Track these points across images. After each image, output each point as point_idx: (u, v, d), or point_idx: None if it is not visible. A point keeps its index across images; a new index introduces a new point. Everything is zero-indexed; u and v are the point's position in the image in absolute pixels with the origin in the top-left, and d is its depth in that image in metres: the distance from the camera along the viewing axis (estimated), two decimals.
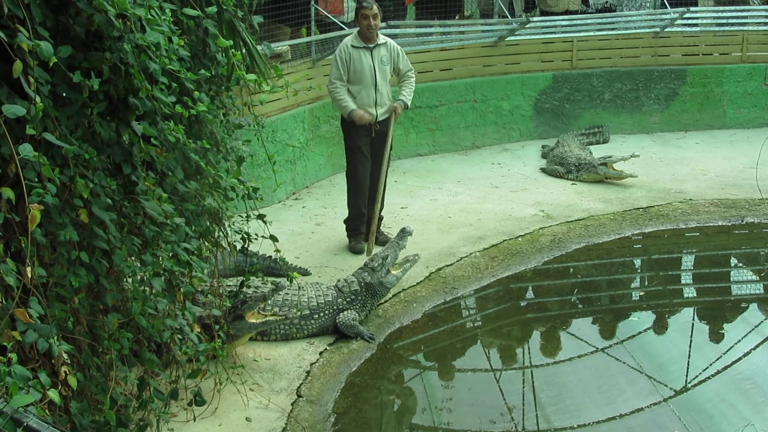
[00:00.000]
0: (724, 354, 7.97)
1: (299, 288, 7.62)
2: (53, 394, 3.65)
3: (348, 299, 7.87)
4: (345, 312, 7.78)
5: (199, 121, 5.47)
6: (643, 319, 8.91)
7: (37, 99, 3.88)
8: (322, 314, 7.71)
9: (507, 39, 14.46)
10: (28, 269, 3.83)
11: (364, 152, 9.44)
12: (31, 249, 3.90)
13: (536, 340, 8.37)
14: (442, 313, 8.64)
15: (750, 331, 8.53)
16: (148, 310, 4.88)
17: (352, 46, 9.32)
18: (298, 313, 7.47)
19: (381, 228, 9.78)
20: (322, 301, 7.73)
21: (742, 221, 11.33)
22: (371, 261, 8.20)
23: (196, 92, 5.26)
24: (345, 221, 9.76)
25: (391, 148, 9.66)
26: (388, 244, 8.39)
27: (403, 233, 8.41)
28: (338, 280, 8.05)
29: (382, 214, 9.74)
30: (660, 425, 6.82)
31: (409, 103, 9.61)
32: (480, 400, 7.16)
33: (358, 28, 9.40)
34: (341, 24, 12.68)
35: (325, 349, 7.59)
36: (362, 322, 7.93)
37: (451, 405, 7.03)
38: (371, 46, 9.31)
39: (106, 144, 4.64)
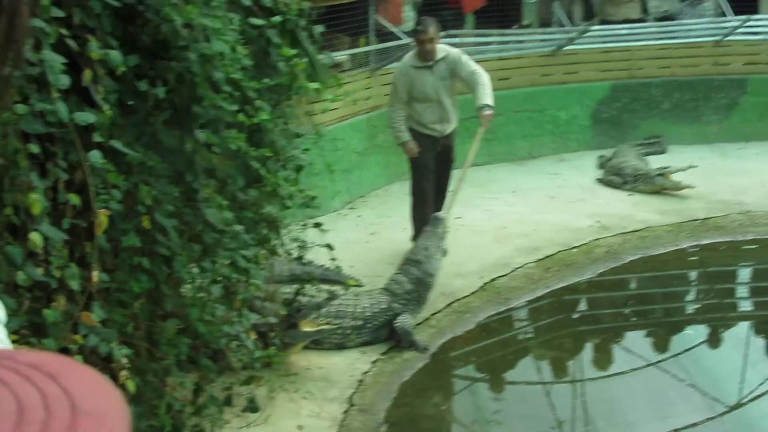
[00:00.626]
0: None
1: (356, 296, 7.66)
2: None
3: (403, 301, 7.89)
4: (402, 316, 7.80)
5: (260, 130, 5.52)
6: (698, 332, 8.84)
7: (105, 107, 3.96)
8: (377, 322, 7.73)
9: (565, 48, 14.40)
10: (95, 273, 3.89)
11: (430, 167, 9.42)
12: (96, 254, 3.98)
13: (588, 353, 8.35)
14: (495, 324, 8.64)
15: None
16: (206, 316, 4.95)
17: (411, 66, 9.29)
18: (352, 323, 7.51)
19: None
20: (377, 309, 7.76)
21: None
22: (414, 254, 8.22)
23: (257, 101, 5.33)
24: (412, 239, 9.60)
25: (452, 161, 9.68)
26: (423, 234, 8.41)
27: (436, 219, 8.43)
28: (388, 282, 8.07)
29: None
30: None
31: (490, 102, 9.17)
32: (530, 412, 7.15)
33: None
34: (400, 34, 12.72)
35: (378, 358, 7.62)
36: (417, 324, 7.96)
37: (502, 417, 7.03)
38: (430, 64, 9.25)
39: (169, 152, 4.70)
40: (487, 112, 9.10)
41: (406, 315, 7.84)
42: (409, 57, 9.43)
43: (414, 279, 8.03)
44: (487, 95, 9.14)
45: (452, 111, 9.40)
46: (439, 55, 9.28)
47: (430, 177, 9.46)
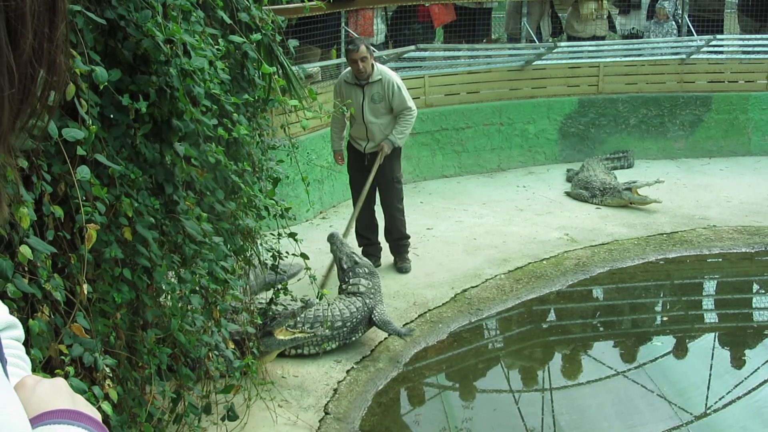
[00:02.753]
0: (744, 380, 8.03)
1: (329, 304, 7.74)
2: (106, 407, 3.78)
3: (371, 295, 8.10)
4: (377, 308, 7.96)
5: (237, 143, 5.61)
6: (665, 343, 8.97)
7: (89, 122, 4.02)
8: (356, 320, 7.89)
9: (534, 63, 14.60)
10: (85, 286, 3.96)
11: (358, 180, 9.68)
12: (80, 266, 4.04)
13: (558, 363, 8.45)
14: (466, 334, 8.74)
15: (761, 362, 8.57)
16: (186, 326, 5.02)
17: (344, 81, 9.46)
18: (327, 332, 7.58)
19: (406, 255, 9.95)
20: (354, 309, 7.91)
21: (766, 248, 11.37)
22: (347, 261, 8.48)
23: (234, 114, 5.42)
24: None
25: (390, 181, 9.71)
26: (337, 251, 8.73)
27: (332, 237, 8.81)
28: (348, 287, 8.25)
29: (407, 241, 9.92)
30: None
31: (398, 143, 9.52)
32: (501, 421, 7.25)
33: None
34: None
35: (352, 367, 7.70)
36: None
37: (473, 426, 7.12)
38: (362, 83, 9.33)
39: (150, 164, 4.78)
40: (388, 147, 9.46)
41: (380, 306, 8.00)
42: (346, 72, 9.56)
43: (366, 274, 8.19)
44: (399, 136, 9.51)
45: (379, 132, 9.44)
46: (375, 77, 9.34)
47: (359, 188, 9.63)
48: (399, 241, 9.86)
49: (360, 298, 8.00)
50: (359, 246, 9.83)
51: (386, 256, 9.89)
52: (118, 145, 4.60)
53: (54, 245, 3.97)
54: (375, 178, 9.55)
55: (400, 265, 9.80)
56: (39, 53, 1.10)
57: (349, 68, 9.45)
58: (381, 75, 9.38)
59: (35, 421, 1.31)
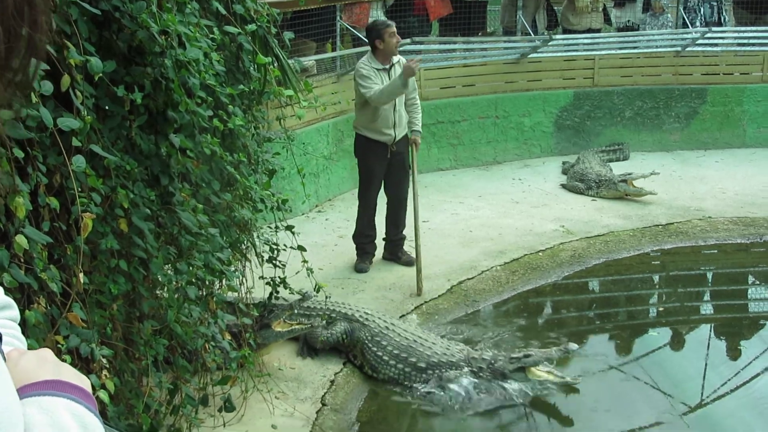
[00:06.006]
0: (740, 371, 8.04)
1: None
2: (103, 395, 3.79)
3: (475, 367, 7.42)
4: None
5: (233, 135, 5.61)
6: (661, 335, 8.96)
7: (84, 112, 4.02)
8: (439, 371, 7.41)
9: (529, 56, 14.60)
10: (81, 275, 3.96)
11: (378, 175, 9.48)
12: (76, 257, 4.05)
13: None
14: (462, 326, 8.75)
15: (766, 350, 8.59)
16: (182, 317, 5.03)
17: (374, 68, 9.24)
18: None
19: (403, 247, 9.90)
20: (444, 360, 7.41)
21: (761, 239, 11.40)
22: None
23: (230, 106, 5.42)
24: (353, 237, 9.81)
25: (406, 171, 9.62)
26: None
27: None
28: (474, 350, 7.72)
29: (404, 233, 9.85)
30: None
31: (421, 132, 9.65)
32: (498, 411, 7.21)
33: (373, 49, 9.32)
34: (365, 38, 12.83)
35: (349, 359, 7.71)
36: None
37: (469, 416, 7.10)
38: (388, 66, 9.29)
39: (145, 156, 4.78)
40: (419, 138, 9.59)
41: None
42: (366, 60, 9.35)
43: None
44: (420, 124, 9.63)
45: (405, 117, 9.45)
46: (394, 59, 9.37)
47: (378, 185, 9.55)
48: (400, 234, 9.82)
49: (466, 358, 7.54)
50: (363, 244, 9.71)
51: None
52: (113, 136, 4.60)
53: (50, 237, 3.98)
54: (391, 169, 9.51)
55: (408, 259, 9.72)
56: (21, 12, 1.16)
57: (367, 56, 9.38)
58: (398, 57, 9.44)
59: (19, 393, 1.31)
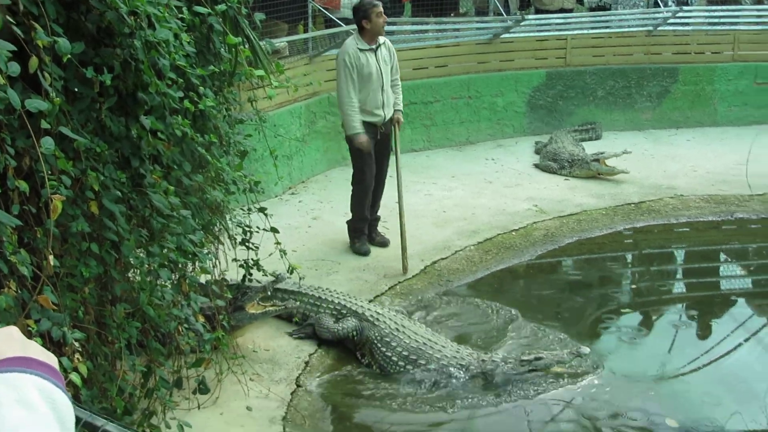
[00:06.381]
0: (711, 349, 8.10)
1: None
2: (76, 379, 3.77)
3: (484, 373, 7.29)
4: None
5: (204, 116, 5.57)
6: (634, 313, 9.01)
7: (53, 94, 3.99)
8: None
9: (502, 36, 14.61)
10: (51, 258, 3.94)
11: (371, 155, 9.41)
12: (46, 240, 4.02)
13: (525, 334, 8.41)
14: (436, 305, 8.75)
15: (737, 327, 8.65)
16: (155, 300, 5.01)
17: (358, 49, 9.18)
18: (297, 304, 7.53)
19: (378, 228, 9.90)
20: (453, 363, 7.30)
21: (732, 217, 11.50)
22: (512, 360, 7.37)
23: (201, 87, 5.38)
24: (348, 223, 9.73)
25: (389, 150, 9.58)
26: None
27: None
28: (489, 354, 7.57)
29: (379, 214, 9.85)
30: (644, 411, 6.93)
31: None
32: (468, 384, 7.21)
33: (360, 29, 9.26)
34: (337, 20, 12.80)
35: (357, 357, 7.70)
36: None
37: (443, 392, 7.12)
38: (375, 47, 9.24)
39: (116, 138, 4.74)
40: (402, 117, 9.61)
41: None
42: (352, 41, 9.30)
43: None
44: (401, 101, 9.65)
45: (392, 96, 9.41)
46: (380, 40, 9.32)
47: (373, 167, 9.48)
48: (376, 215, 9.83)
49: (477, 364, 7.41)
50: (361, 227, 9.67)
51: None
52: (82, 118, 4.56)
53: (19, 220, 3.95)
54: (377, 141, 9.47)
55: (382, 239, 9.75)
56: None
57: (353, 36, 9.36)
58: (383, 38, 9.42)
59: None
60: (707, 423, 6.78)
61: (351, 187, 9.65)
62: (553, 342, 7.86)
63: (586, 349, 7.30)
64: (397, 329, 7.48)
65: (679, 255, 11.20)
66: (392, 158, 9.56)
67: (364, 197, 9.54)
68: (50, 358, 1.40)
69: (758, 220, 11.50)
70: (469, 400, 6.96)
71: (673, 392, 7.30)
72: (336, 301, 7.84)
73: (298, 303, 7.78)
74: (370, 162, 9.42)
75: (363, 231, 9.68)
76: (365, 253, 9.52)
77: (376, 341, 7.45)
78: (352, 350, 7.66)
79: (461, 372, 7.19)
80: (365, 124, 9.28)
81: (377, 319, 7.56)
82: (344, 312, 7.73)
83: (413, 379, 7.20)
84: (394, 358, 7.34)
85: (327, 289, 8.12)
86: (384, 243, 9.62)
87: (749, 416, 6.90)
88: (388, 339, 7.41)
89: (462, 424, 6.73)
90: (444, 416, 6.78)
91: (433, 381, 7.15)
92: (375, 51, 9.23)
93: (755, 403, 7.08)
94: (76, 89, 4.49)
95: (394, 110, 9.49)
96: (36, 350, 1.40)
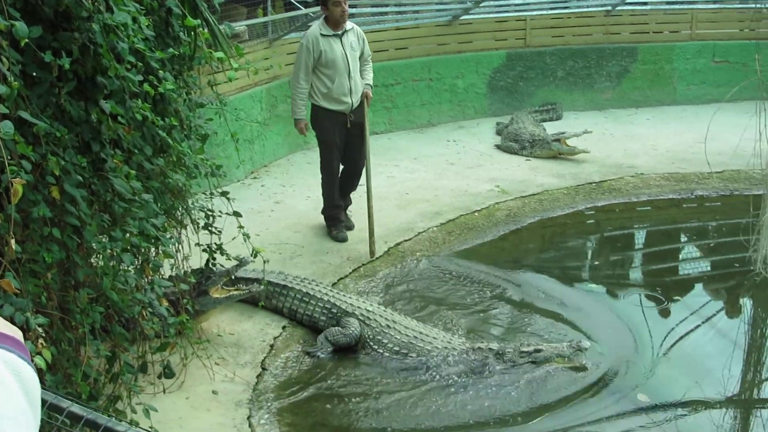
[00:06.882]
0: (673, 329, 8.17)
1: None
2: (39, 361, 3.76)
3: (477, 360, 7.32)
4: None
5: (164, 100, 5.55)
6: (596, 291, 9.08)
7: (11, 78, 3.95)
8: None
9: (461, 18, 14.63)
10: (12, 243, 3.91)
11: (338, 144, 9.34)
12: (7, 226, 3.99)
13: (486, 310, 8.43)
14: (400, 287, 8.79)
15: (695, 309, 8.74)
16: (118, 284, 4.99)
17: (321, 35, 9.10)
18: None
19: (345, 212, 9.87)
20: (445, 354, 7.32)
21: (692, 194, 11.64)
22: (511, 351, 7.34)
23: (160, 71, 5.36)
24: (322, 212, 9.70)
25: (363, 128, 9.41)
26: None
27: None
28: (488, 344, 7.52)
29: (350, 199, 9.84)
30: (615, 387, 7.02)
31: (372, 86, 9.56)
32: (452, 372, 7.26)
33: (325, 15, 9.18)
34: (297, 3, 12.74)
35: (288, 324, 7.73)
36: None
37: (407, 372, 7.17)
38: (340, 33, 9.13)
39: (76, 122, 4.71)
40: (370, 91, 9.51)
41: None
42: (316, 26, 9.23)
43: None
44: (371, 80, 9.56)
45: (360, 82, 9.32)
46: (348, 26, 9.24)
47: (339, 155, 9.43)
48: (348, 201, 9.79)
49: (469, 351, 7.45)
50: (335, 214, 9.64)
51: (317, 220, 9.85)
52: (42, 103, 4.53)
53: None
54: (350, 136, 9.40)
55: (348, 224, 9.72)
56: None
57: (318, 21, 9.30)
58: (351, 24, 9.35)
59: None
60: (671, 397, 6.91)
61: (314, 172, 9.65)
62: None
63: (587, 343, 7.32)
64: (388, 326, 7.50)
65: (640, 233, 11.29)
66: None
67: (332, 184, 9.51)
68: (14, 331, 1.40)
69: (717, 198, 11.65)
70: (436, 382, 7.01)
71: (629, 373, 7.34)
72: (326, 298, 7.77)
73: (285, 297, 7.77)
74: (336, 151, 9.39)
75: (338, 218, 9.65)
76: (342, 240, 9.49)
77: (368, 339, 7.47)
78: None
79: (451, 361, 7.22)
80: (333, 112, 9.22)
81: (368, 318, 7.56)
82: (334, 311, 7.68)
83: (380, 362, 7.24)
84: (387, 354, 7.36)
85: (314, 281, 8.05)
86: (349, 227, 9.62)
87: (704, 390, 7.05)
88: (380, 337, 7.43)
89: (430, 404, 6.76)
90: (407, 398, 6.82)
91: (406, 366, 7.20)
92: (340, 37, 9.15)
93: (708, 379, 7.21)
94: (34, 74, 4.46)
95: (364, 84, 9.41)
96: (0, 324, 1.39)
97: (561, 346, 7.28)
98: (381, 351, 7.37)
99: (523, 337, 7.77)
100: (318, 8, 10.50)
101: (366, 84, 9.43)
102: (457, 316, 8.16)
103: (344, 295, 7.91)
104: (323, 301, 7.75)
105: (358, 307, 7.70)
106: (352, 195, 9.86)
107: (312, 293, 7.81)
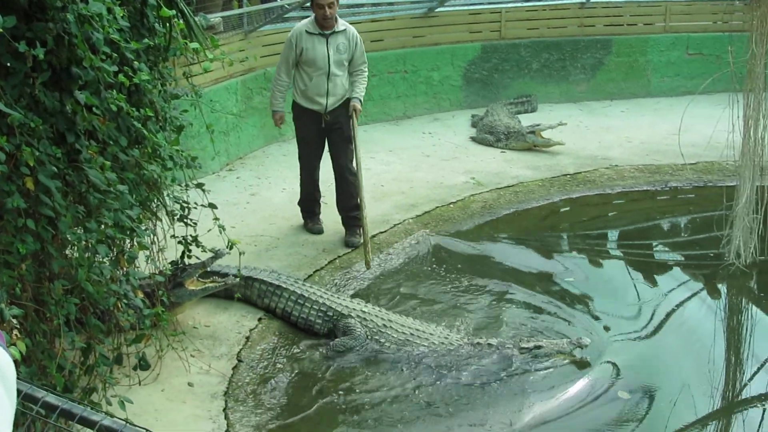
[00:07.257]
0: (651, 319, 8.23)
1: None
2: (14, 352, 3.74)
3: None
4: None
5: (139, 91, 5.52)
6: (574, 281, 9.09)
7: None
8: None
9: (436, 10, 14.64)
10: None
11: (312, 141, 9.26)
12: None
13: (466, 303, 8.46)
14: (376, 278, 8.81)
15: (665, 295, 8.80)
16: (93, 276, 4.97)
17: (306, 31, 8.94)
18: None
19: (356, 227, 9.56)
20: (441, 350, 7.33)
21: (666, 186, 11.71)
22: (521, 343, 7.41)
23: (135, 62, 5.34)
24: (299, 203, 9.67)
25: (346, 140, 9.30)
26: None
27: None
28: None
29: (356, 214, 9.37)
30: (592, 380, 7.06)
31: (362, 100, 9.31)
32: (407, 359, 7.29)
33: (314, 14, 8.97)
34: None
35: (264, 315, 7.71)
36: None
37: (381, 360, 7.19)
38: (327, 33, 8.93)
39: (50, 113, 4.69)
40: (359, 105, 9.27)
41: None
42: (306, 22, 9.06)
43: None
44: (362, 93, 9.30)
45: (341, 86, 9.12)
46: (339, 27, 9.01)
47: (315, 152, 9.34)
48: (351, 213, 9.40)
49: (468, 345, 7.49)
50: (310, 207, 9.60)
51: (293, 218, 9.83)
52: (16, 93, 4.51)
53: None
54: (330, 140, 9.31)
55: (350, 239, 9.36)
56: None
57: (310, 18, 9.07)
58: (345, 26, 9.11)
59: None
60: (651, 391, 6.96)
61: (290, 164, 9.62)
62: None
63: (587, 340, 7.35)
64: (384, 326, 7.50)
65: (615, 224, 11.32)
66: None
67: (308, 178, 9.46)
68: None
69: (691, 189, 11.74)
70: (422, 377, 7.03)
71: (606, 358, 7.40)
72: (321, 301, 7.70)
73: (279, 298, 7.74)
74: (311, 148, 9.32)
75: (313, 211, 9.62)
76: (318, 233, 9.47)
77: (367, 339, 7.46)
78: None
79: (448, 356, 7.24)
80: (308, 110, 9.14)
81: (364, 318, 7.54)
82: (330, 314, 7.62)
83: (363, 356, 7.27)
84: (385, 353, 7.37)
85: (309, 285, 8.01)
86: (351, 243, 9.33)
87: (679, 383, 7.12)
88: (377, 337, 7.43)
89: (416, 398, 6.78)
90: (391, 391, 6.84)
91: (390, 359, 7.23)
92: (327, 37, 8.95)
93: (677, 377, 7.26)
94: (8, 64, 4.44)
95: (352, 98, 9.20)
96: None
97: (561, 343, 7.31)
98: (379, 349, 7.38)
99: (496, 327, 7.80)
100: (294, 0, 10.44)
101: (354, 97, 9.20)
102: (434, 306, 8.20)
103: (339, 297, 7.85)
104: (318, 303, 7.68)
105: (354, 308, 7.66)
106: (326, 189, 9.81)
107: (307, 295, 7.73)
